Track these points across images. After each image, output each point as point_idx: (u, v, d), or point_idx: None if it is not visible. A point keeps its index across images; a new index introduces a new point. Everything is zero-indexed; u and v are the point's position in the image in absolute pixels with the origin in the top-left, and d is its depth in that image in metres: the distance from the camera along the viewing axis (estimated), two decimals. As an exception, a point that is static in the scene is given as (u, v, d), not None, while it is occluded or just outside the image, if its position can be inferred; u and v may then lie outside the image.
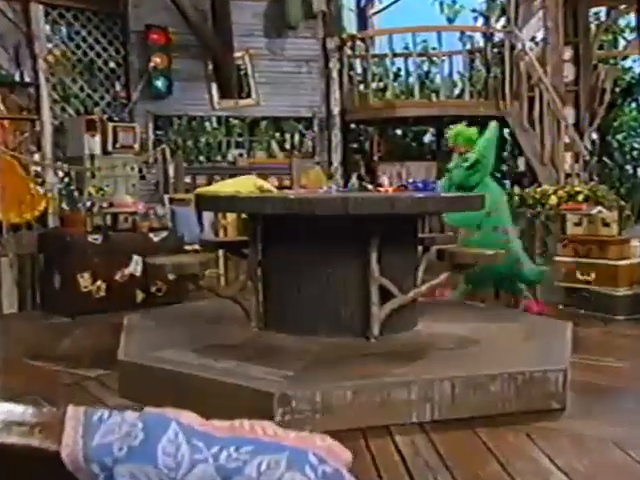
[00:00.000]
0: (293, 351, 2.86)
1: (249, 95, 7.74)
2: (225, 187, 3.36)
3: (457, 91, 8.81)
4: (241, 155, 7.72)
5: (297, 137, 8.05)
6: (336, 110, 7.91)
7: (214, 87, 7.55)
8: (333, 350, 2.89)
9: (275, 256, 3.20)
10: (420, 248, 3.68)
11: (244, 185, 3.33)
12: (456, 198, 2.91)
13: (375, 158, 8.25)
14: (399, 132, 9.28)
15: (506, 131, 7.96)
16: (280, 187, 3.87)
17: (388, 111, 7.56)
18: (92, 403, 2.71)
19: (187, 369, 2.58)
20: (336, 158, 8.07)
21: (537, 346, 2.88)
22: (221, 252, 5.04)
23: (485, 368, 2.58)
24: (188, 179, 7.03)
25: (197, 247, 5.00)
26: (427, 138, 9.43)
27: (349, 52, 8.19)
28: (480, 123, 8.35)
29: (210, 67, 7.51)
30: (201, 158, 7.65)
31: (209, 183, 7.02)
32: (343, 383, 2.43)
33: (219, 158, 7.68)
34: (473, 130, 4.34)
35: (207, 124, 7.80)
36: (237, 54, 7.59)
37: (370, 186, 3.54)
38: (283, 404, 2.33)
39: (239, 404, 2.42)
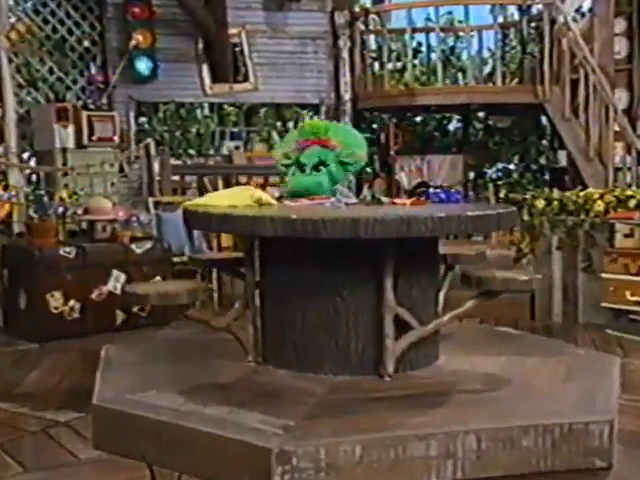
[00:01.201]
0: (294, 393, 2.86)
1: (246, 78, 7.76)
2: (218, 200, 3.34)
3: (487, 69, 8.81)
4: (237, 148, 7.78)
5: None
6: (346, 96, 7.92)
7: (205, 69, 7.58)
8: (341, 391, 2.89)
9: (275, 280, 3.20)
10: (442, 266, 3.69)
11: (239, 197, 3.32)
12: (485, 216, 2.90)
13: (392, 151, 8.25)
14: (419, 119, 9.30)
15: (544, 120, 7.97)
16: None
17: (406, 99, 7.56)
18: (61, 456, 2.73)
19: (171, 417, 2.59)
20: (347, 151, 8.07)
21: (578, 389, 2.87)
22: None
23: (517, 417, 2.58)
24: (176, 177, 7.09)
25: (186, 258, 5.04)
26: (452, 125, 9.46)
27: (362, 27, 8.19)
28: (514, 111, 8.41)
29: (200, 46, 7.54)
30: (191, 151, 7.70)
31: (200, 183, 7.06)
32: (351, 436, 2.44)
33: (212, 151, 7.73)
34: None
35: (198, 112, 7.85)
36: (232, 31, 7.61)
37: (385, 198, 3.52)
38: (282, 462, 2.34)
39: (231, 460, 2.43)
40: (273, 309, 3.21)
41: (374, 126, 9.06)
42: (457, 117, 9.30)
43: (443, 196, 3.64)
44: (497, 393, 2.82)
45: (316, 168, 3.84)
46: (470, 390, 2.89)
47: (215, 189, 6.86)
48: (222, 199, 3.36)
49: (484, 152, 9.26)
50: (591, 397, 2.77)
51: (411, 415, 2.62)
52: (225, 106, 7.95)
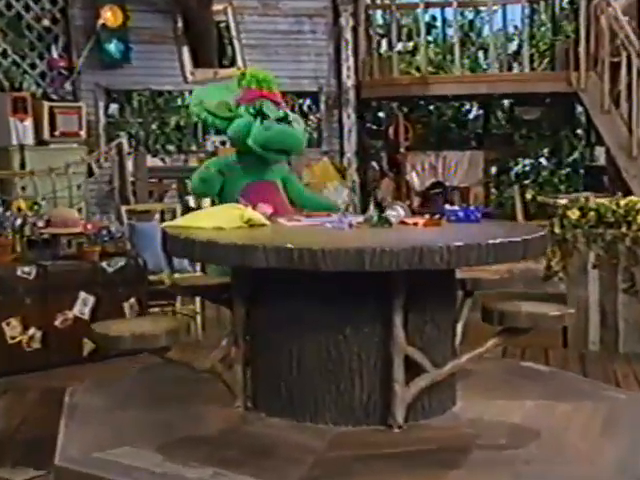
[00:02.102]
0: (289, 449, 2.88)
1: (233, 62, 7.78)
2: (202, 220, 3.36)
3: (513, 47, 8.84)
4: (223, 143, 7.78)
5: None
6: (349, 82, 7.96)
7: (186, 52, 7.60)
8: (343, 447, 2.91)
9: (268, 314, 3.22)
10: (459, 292, 3.71)
11: (227, 218, 3.34)
12: (509, 244, 2.91)
13: (402, 147, 8.28)
14: (433, 108, 9.33)
15: (579, 110, 7.98)
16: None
17: (418, 88, 7.59)
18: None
19: (146, 482, 2.61)
20: (349, 146, 8.13)
21: (619, 446, 2.89)
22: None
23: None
24: (154, 179, 7.13)
25: (165, 277, 5.05)
26: (472, 116, 9.49)
27: (367, 1, 8.21)
28: (544, 101, 8.44)
29: (180, 25, 7.56)
30: (170, 147, 7.72)
31: (181, 186, 7.08)
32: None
33: (194, 147, 7.75)
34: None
35: (177, 101, 7.88)
36: (216, 7, 7.63)
37: (394, 216, 3.53)
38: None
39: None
40: (265, 348, 3.22)
41: (380, 116, 9.09)
42: (477, 106, 9.33)
43: (461, 215, 3.63)
44: (522, 451, 2.84)
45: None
46: (492, 445, 2.90)
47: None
48: (207, 219, 3.38)
49: (509, 147, 9.29)
50: (634, 458, 2.78)
51: (424, 477, 2.64)
52: (209, 94, 7.95)
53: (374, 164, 8.68)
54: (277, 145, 4.07)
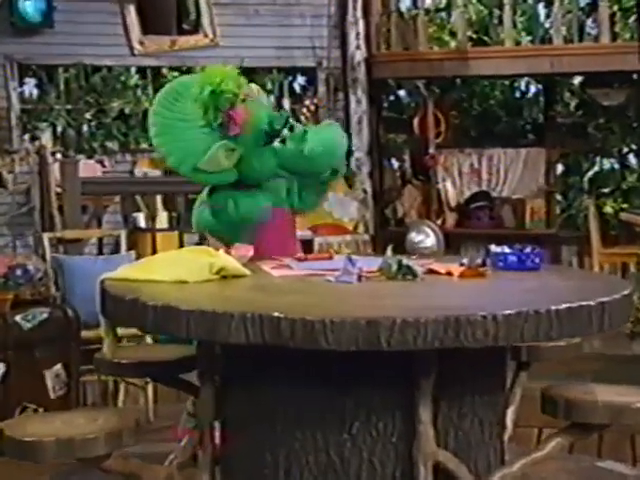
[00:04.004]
0: None
1: (196, 28, 7.84)
2: (156, 270, 3.38)
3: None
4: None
5: (287, 104, 8.13)
6: (358, 55, 8.01)
7: (132, 13, 7.66)
8: None
9: (247, 403, 3.23)
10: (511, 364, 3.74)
11: (191, 267, 3.35)
12: (580, 310, 2.93)
13: (431, 146, 8.31)
14: (474, 90, 9.36)
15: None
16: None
17: (454, 64, 7.64)
18: None
19: None
20: (360, 143, 8.17)
21: None
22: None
23: None
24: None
25: (106, 349, 5.06)
26: (528, 99, 9.50)
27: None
28: (628, 82, 8.45)
29: (124, -24, 7.63)
30: (111, 145, 7.74)
31: (129, 204, 7.06)
32: None
33: (146, 144, 7.74)
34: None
35: (121, 81, 7.90)
36: (175, -49, 7.69)
37: (419, 266, 3.55)
38: None
39: None
40: (242, 449, 3.24)
41: (402, 102, 9.12)
42: (536, 85, 9.37)
43: (514, 259, 3.66)
44: None
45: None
46: None
47: (152, 218, 6.89)
48: (164, 269, 3.41)
49: (580, 142, 9.30)
50: None
51: None
52: (165, 71, 7.98)
53: (393, 167, 8.71)
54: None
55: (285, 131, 4.01)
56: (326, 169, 4.14)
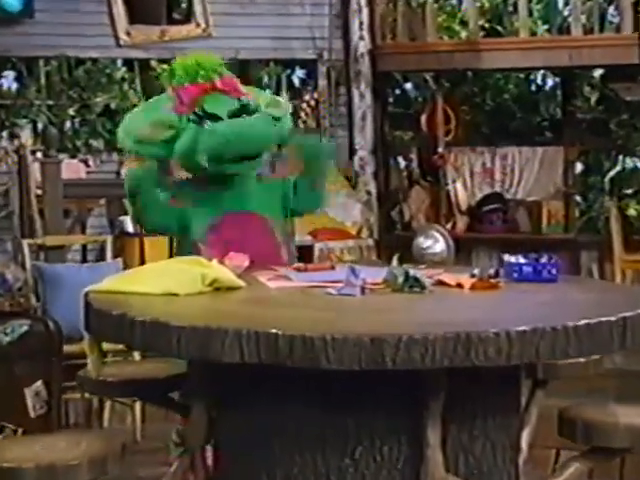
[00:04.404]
0: None
1: (188, 17, 7.84)
2: (144, 282, 3.37)
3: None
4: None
5: (285, 98, 8.11)
6: (362, 47, 8.00)
7: (119, 2, 7.65)
8: None
9: (242, 426, 3.22)
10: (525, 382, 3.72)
11: (182, 278, 3.35)
12: (600, 327, 2.92)
13: (441, 144, 8.31)
14: (487, 83, 9.35)
15: None
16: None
17: (465, 56, 7.64)
18: None
19: None
20: (363, 140, 8.16)
21: None
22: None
23: None
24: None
25: (87, 348, 5.06)
26: (544, 93, 9.48)
27: None
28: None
29: (110, -37, 7.64)
30: (96, 144, 7.74)
31: (115, 206, 7.05)
32: None
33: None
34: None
35: (107, 73, 7.90)
36: None
37: (426, 277, 3.54)
38: None
39: None
40: (236, 475, 3.23)
41: (409, 97, 9.12)
42: (554, 78, 9.36)
43: (529, 270, 3.65)
44: None
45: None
46: None
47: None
48: (153, 280, 3.40)
49: (600, 138, 9.29)
50: None
51: None
52: (154, 64, 7.97)
53: (400, 167, 8.70)
54: (231, 151, 4.13)
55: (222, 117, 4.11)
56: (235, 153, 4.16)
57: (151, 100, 4.55)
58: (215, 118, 4.08)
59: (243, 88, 4.31)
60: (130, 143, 4.26)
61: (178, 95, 4.10)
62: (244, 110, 4.17)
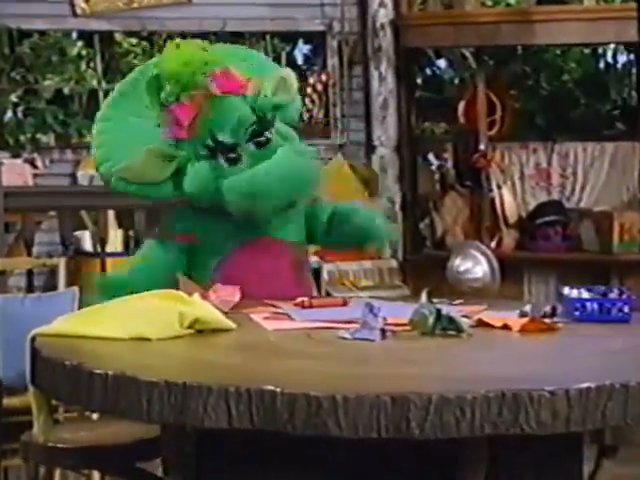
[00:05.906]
0: None
1: (158, -20, 7.91)
2: (109, 322, 3.39)
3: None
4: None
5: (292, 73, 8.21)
6: (382, 17, 8.03)
7: (74, -40, 7.73)
8: None
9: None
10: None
11: (156, 315, 3.37)
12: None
13: (483, 140, 8.36)
14: (541, 63, 9.39)
15: None
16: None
17: (513, 30, 7.67)
18: None
19: None
20: (385, 134, 8.21)
21: None
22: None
23: None
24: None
25: (34, 406, 5.11)
26: (614, 77, 9.53)
27: None
28: None
29: None
30: (46, 139, 7.79)
31: (70, 218, 7.09)
32: None
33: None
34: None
35: (59, 49, 7.96)
36: None
37: (463, 316, 3.57)
38: None
39: None
40: None
41: (443, 79, 9.18)
42: (626, 55, 9.42)
43: (594, 307, 3.68)
44: None
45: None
46: None
47: (101, 239, 6.92)
48: (119, 321, 3.43)
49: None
50: None
51: None
52: (118, 37, 8.05)
53: (431, 168, 8.75)
54: (284, 197, 4.19)
55: (246, 145, 4.12)
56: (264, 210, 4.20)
57: (125, 90, 4.49)
58: (231, 150, 4.09)
59: (240, 68, 4.30)
60: (116, 181, 4.24)
61: (173, 116, 4.12)
62: (262, 124, 4.17)
